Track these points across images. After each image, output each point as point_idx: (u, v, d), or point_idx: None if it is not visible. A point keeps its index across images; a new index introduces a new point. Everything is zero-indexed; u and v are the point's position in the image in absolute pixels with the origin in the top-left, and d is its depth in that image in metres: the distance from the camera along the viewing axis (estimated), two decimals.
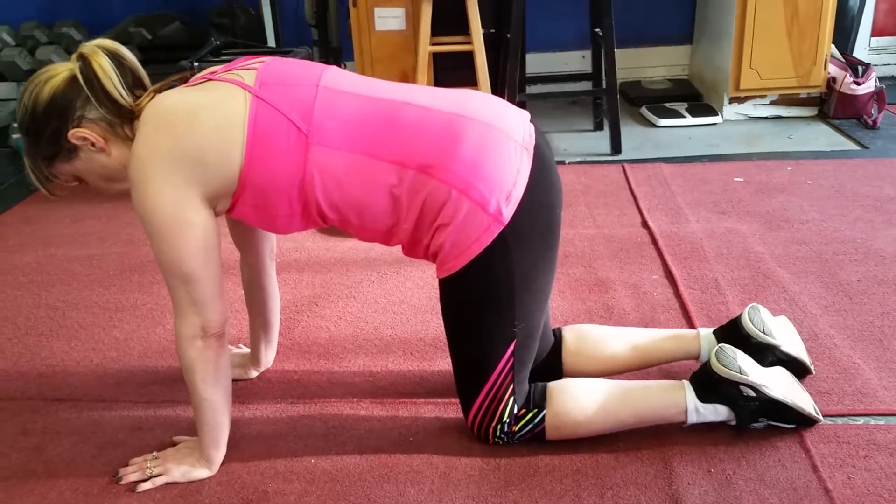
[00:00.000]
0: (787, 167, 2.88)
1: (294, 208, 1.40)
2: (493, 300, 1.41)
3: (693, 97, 3.69)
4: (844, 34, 3.60)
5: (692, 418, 1.48)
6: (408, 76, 3.15)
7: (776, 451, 1.46)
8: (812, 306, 1.95)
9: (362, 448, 1.53)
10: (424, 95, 1.43)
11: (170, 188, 1.32)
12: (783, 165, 2.90)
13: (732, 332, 1.62)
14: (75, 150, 1.39)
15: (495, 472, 1.45)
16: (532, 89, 3.76)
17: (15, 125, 3.36)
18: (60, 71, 1.36)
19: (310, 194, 1.37)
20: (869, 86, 3.29)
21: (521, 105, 1.51)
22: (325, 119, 1.36)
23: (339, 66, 3.27)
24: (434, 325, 1.96)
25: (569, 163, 3.06)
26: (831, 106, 3.35)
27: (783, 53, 3.26)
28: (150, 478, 1.47)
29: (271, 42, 3.57)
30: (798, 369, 1.62)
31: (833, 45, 3.34)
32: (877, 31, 3.90)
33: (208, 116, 1.34)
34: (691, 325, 1.88)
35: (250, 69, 1.40)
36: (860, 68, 3.31)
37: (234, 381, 1.55)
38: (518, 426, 1.48)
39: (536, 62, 3.84)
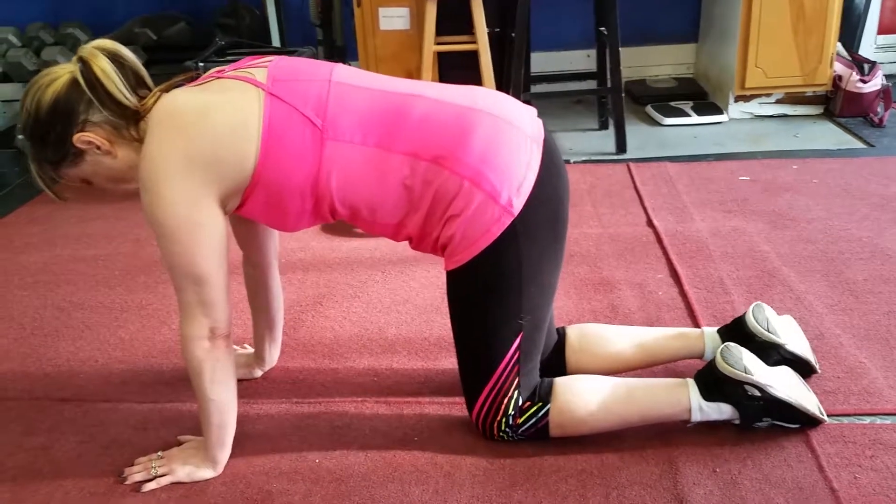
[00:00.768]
0: (793, 166, 2.87)
1: (306, 205, 1.40)
2: (500, 292, 1.41)
3: (698, 96, 3.68)
4: (850, 32, 3.59)
5: (696, 417, 1.47)
6: (412, 76, 3.15)
7: (782, 451, 1.46)
8: (818, 305, 1.94)
9: (367, 447, 1.53)
10: (434, 90, 1.44)
11: (184, 189, 1.32)
12: (789, 164, 2.89)
13: (737, 331, 1.62)
14: (81, 154, 1.38)
15: (500, 472, 1.45)
16: (537, 88, 3.76)
17: (20, 127, 3.37)
18: (61, 74, 1.35)
19: (324, 190, 1.37)
20: (875, 84, 3.28)
21: (527, 104, 1.51)
22: (339, 114, 1.36)
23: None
24: (438, 324, 1.96)
25: (574, 162, 3.06)
26: (837, 104, 3.34)
27: (789, 51, 3.25)
28: (155, 478, 1.47)
29: (276, 42, 3.57)
30: (803, 368, 1.62)
31: (839, 43, 3.33)
32: (883, 29, 3.88)
33: (221, 115, 1.34)
34: (696, 324, 1.88)
35: (260, 67, 1.40)
36: (866, 66, 3.30)
37: (238, 380, 1.55)
38: (522, 419, 1.47)
39: (541, 61, 3.83)
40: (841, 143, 3.09)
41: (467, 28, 2.98)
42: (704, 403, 1.47)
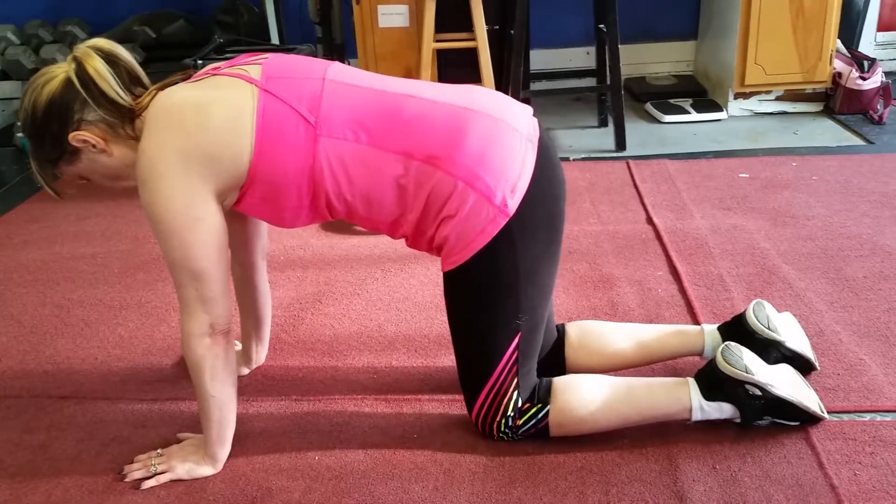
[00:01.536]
0: (793, 163, 2.87)
1: (303, 200, 1.40)
2: (497, 293, 1.41)
3: (698, 93, 3.68)
4: (850, 29, 3.59)
5: (696, 416, 1.47)
6: (411, 73, 3.15)
7: (782, 448, 1.46)
8: (817, 302, 1.94)
9: (366, 445, 1.53)
10: (429, 90, 1.44)
11: (182, 185, 1.32)
12: (788, 161, 2.89)
13: (737, 329, 1.62)
14: (77, 153, 1.39)
15: (500, 469, 1.45)
16: (536, 86, 3.75)
17: (19, 124, 3.37)
18: (57, 74, 1.36)
19: (319, 185, 1.38)
20: (875, 81, 3.28)
21: (526, 101, 1.51)
22: (332, 111, 1.37)
23: (343, 63, 3.27)
24: (438, 321, 1.96)
25: (573, 159, 3.05)
26: (837, 101, 3.34)
27: (788, 49, 3.25)
28: (155, 475, 1.47)
29: (275, 39, 3.57)
30: (803, 366, 1.62)
31: (839, 40, 3.32)
32: (882, 26, 3.88)
33: (218, 111, 1.34)
34: (696, 322, 1.87)
35: (255, 65, 1.41)
36: (866, 63, 3.29)
37: None
38: (522, 420, 1.47)
39: (540, 59, 3.83)
40: (840, 141, 3.09)
41: (466, 25, 2.98)
42: (705, 403, 1.47)
